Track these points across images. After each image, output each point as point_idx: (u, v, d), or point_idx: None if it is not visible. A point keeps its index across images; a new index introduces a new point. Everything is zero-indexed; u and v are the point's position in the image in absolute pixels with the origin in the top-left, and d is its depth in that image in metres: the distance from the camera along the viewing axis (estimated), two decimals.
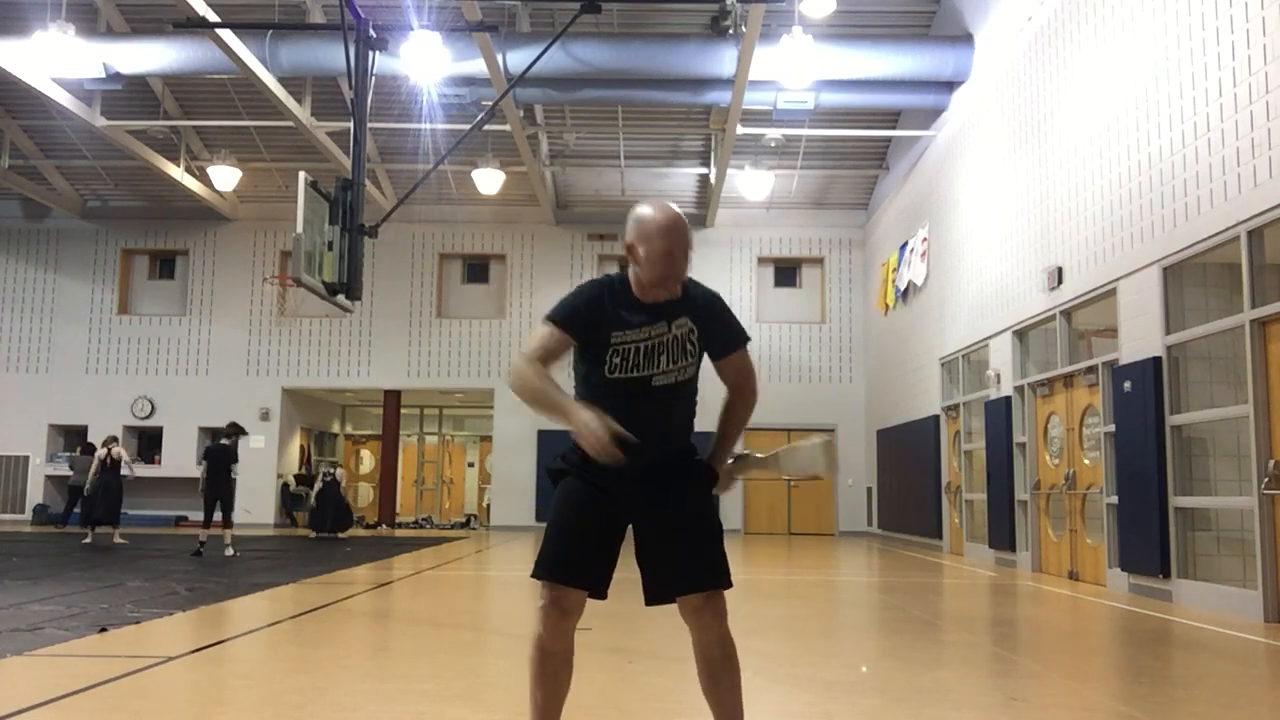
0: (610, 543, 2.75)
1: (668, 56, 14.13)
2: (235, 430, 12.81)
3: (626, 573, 2.83)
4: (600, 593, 2.75)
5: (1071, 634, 6.69)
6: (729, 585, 2.72)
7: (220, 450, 12.50)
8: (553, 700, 2.76)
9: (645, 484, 2.75)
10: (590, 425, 2.52)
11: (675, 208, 2.73)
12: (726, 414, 2.91)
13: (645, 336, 2.72)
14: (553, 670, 2.74)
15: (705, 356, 2.83)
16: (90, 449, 18.79)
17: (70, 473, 18.55)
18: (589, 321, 2.72)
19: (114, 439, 14.80)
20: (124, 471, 14.35)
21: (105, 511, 14.03)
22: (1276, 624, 6.79)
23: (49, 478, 20.19)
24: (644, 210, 2.71)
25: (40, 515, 19.66)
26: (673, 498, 2.75)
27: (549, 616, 2.67)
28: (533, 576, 2.71)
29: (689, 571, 2.69)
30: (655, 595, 2.75)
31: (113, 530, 14.22)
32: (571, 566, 2.69)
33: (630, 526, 2.80)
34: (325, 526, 16.69)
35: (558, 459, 2.85)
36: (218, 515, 12.35)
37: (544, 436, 19.63)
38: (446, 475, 24.63)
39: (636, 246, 2.69)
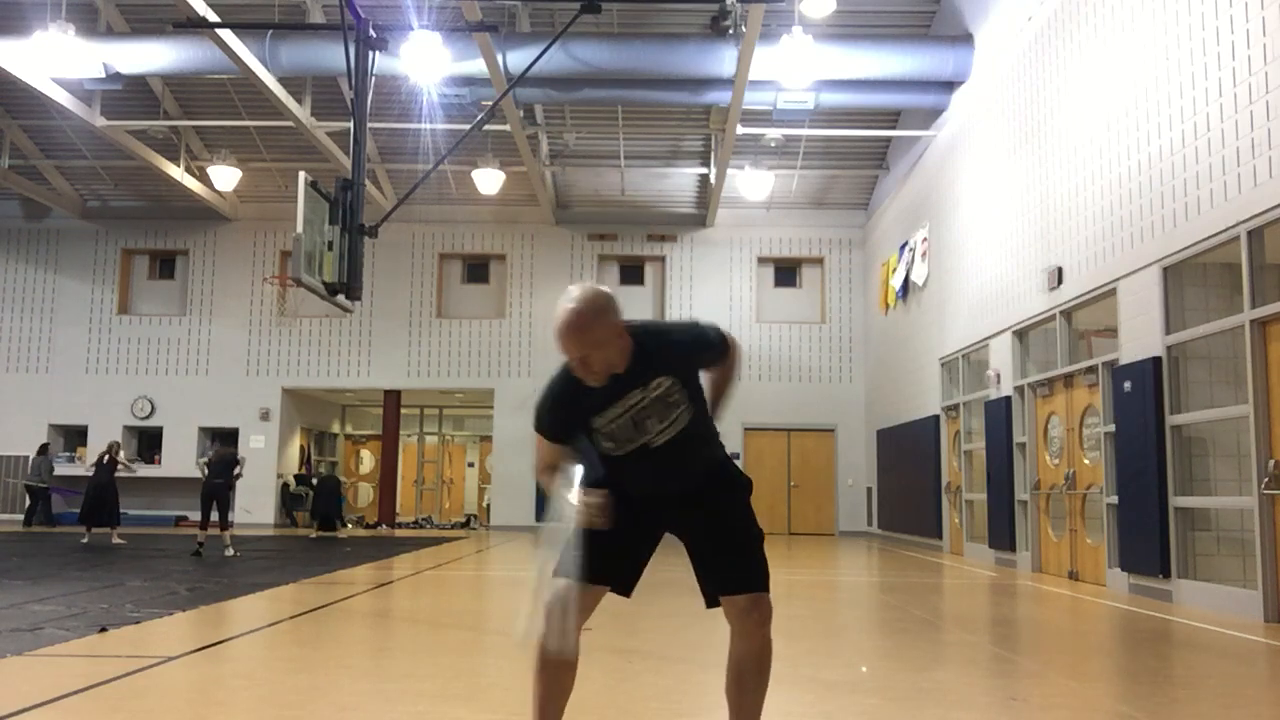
0: (636, 543, 2.80)
1: (668, 56, 14.13)
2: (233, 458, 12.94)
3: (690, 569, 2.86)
4: (623, 589, 2.81)
5: (1071, 634, 6.69)
6: (768, 590, 2.75)
7: (222, 459, 12.60)
8: (553, 700, 2.75)
9: (684, 500, 2.81)
10: (581, 509, 2.60)
11: (580, 298, 2.55)
12: (717, 372, 2.92)
13: (623, 411, 2.69)
14: (554, 670, 2.73)
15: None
16: (44, 449, 19.04)
17: (27, 474, 18.79)
18: (561, 421, 2.74)
19: (116, 445, 14.80)
20: (119, 471, 14.38)
21: (104, 513, 14.01)
22: (1276, 624, 6.79)
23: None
24: (557, 308, 2.59)
25: (28, 517, 19.66)
26: (711, 508, 2.80)
27: (553, 617, 2.68)
28: (554, 574, 2.73)
29: (731, 573, 2.74)
30: (719, 590, 2.78)
31: (111, 530, 14.21)
32: (587, 565, 2.70)
33: (678, 536, 2.86)
34: (320, 511, 16.88)
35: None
36: (215, 516, 12.38)
37: None
38: (446, 475, 24.62)
39: None
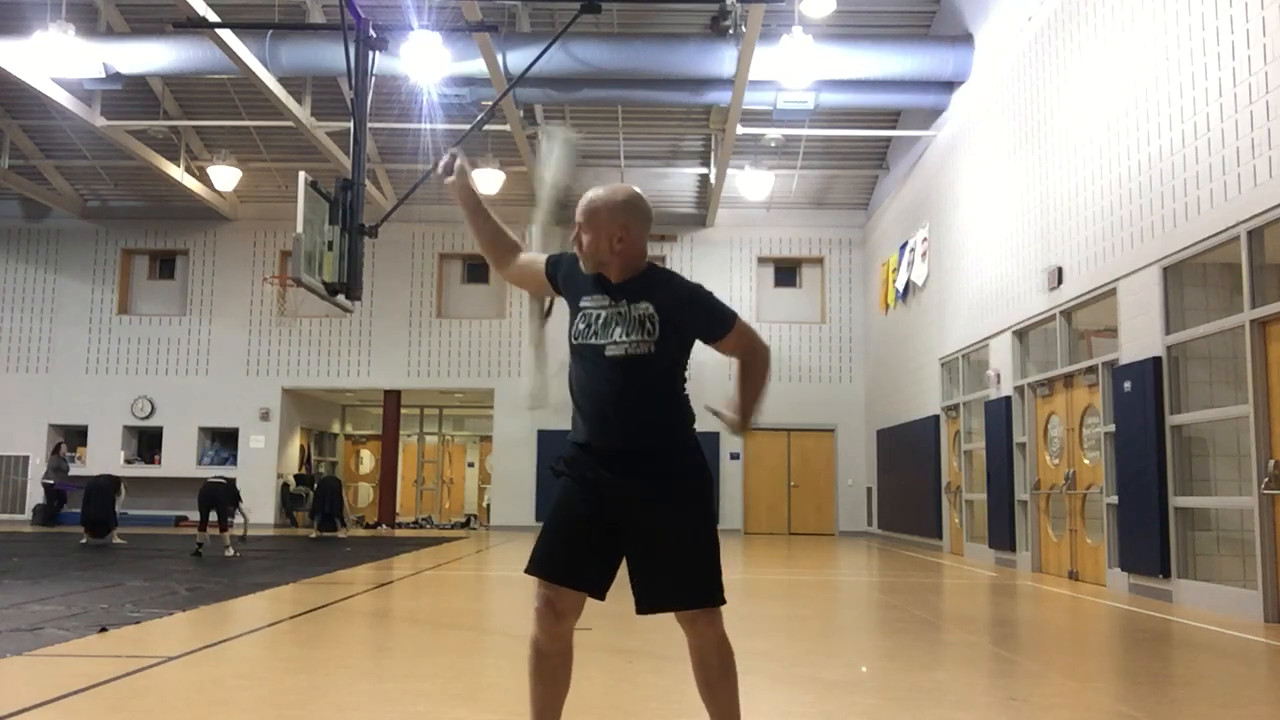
0: (602, 542, 2.74)
1: (668, 56, 14.13)
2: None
3: (627, 573, 2.83)
4: (595, 592, 2.74)
5: (1071, 634, 6.69)
6: (720, 603, 2.69)
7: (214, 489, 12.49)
8: (552, 700, 2.75)
9: (633, 489, 2.71)
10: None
11: (613, 188, 2.79)
12: (739, 371, 2.87)
13: (604, 305, 2.76)
14: (550, 671, 2.73)
15: (679, 352, 2.79)
16: (59, 448, 19.05)
17: (51, 474, 18.81)
18: (568, 271, 2.87)
19: (123, 483, 14.78)
20: (120, 502, 14.35)
21: (94, 515, 13.93)
22: (1276, 624, 6.79)
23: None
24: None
25: (40, 515, 19.67)
26: (661, 511, 2.70)
27: (543, 618, 2.68)
28: (525, 571, 2.73)
29: (680, 588, 2.68)
30: (647, 605, 2.73)
31: (111, 531, 14.17)
32: (559, 562, 2.70)
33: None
34: (320, 511, 16.77)
35: (558, 459, 2.87)
36: (214, 516, 12.37)
37: (544, 436, 19.62)
38: (446, 475, 24.63)
39: None
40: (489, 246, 3.05)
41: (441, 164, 2.97)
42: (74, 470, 19.97)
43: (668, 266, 3.11)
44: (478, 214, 3.00)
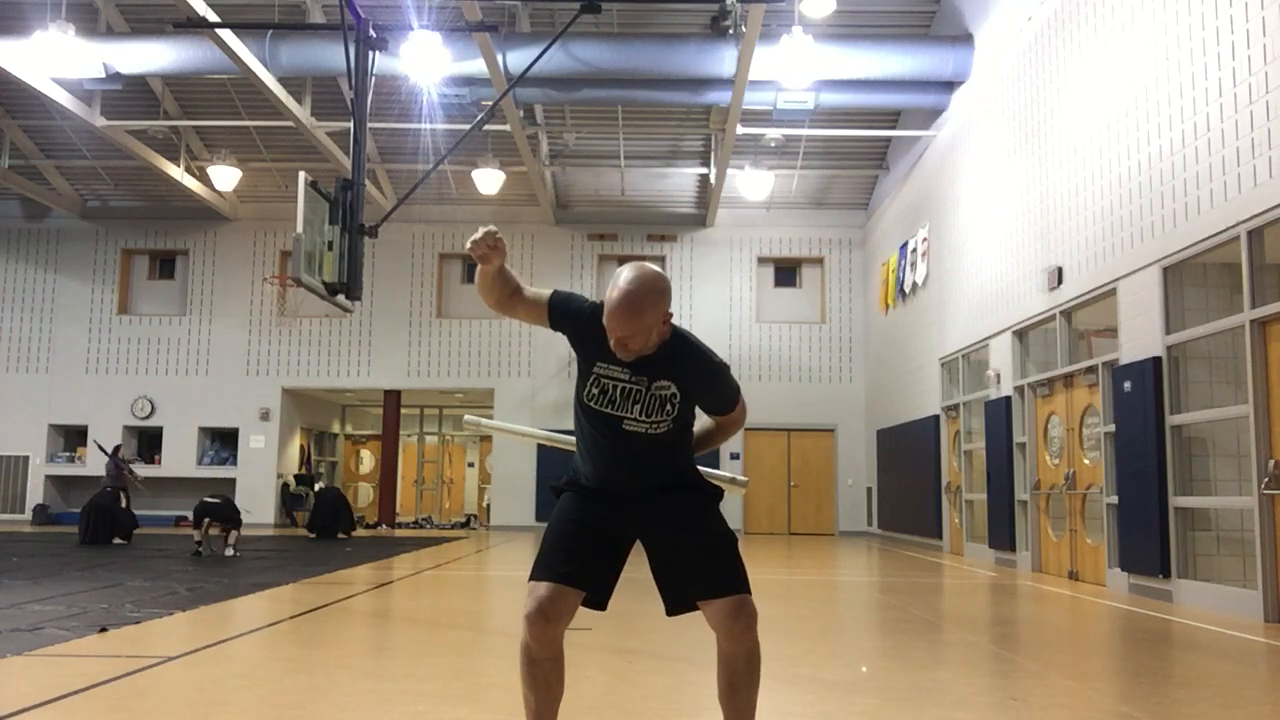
0: (607, 550, 2.75)
1: (668, 56, 14.13)
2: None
3: (629, 573, 2.83)
4: (596, 599, 2.73)
5: (1071, 634, 6.69)
6: (750, 592, 2.69)
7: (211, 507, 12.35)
8: (546, 704, 2.75)
9: (649, 501, 2.76)
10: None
11: (641, 280, 2.57)
12: (714, 427, 2.97)
13: (626, 379, 2.70)
14: (542, 677, 2.71)
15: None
16: (116, 450, 18.78)
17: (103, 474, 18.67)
18: (576, 327, 2.77)
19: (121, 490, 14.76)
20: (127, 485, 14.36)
21: (100, 530, 13.89)
22: (1276, 624, 6.79)
23: (49, 478, 20.21)
24: (615, 279, 2.59)
25: (40, 515, 19.67)
26: (680, 514, 2.76)
27: (534, 624, 2.63)
28: (530, 579, 2.71)
29: (712, 577, 2.66)
30: (678, 603, 2.73)
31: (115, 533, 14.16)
32: (562, 562, 2.68)
33: (639, 544, 2.82)
34: (319, 525, 16.62)
35: (560, 477, 2.89)
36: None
37: None
38: (446, 475, 24.63)
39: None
40: (500, 301, 2.82)
41: (481, 237, 2.67)
42: (74, 471, 20.01)
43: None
44: (500, 276, 2.78)
